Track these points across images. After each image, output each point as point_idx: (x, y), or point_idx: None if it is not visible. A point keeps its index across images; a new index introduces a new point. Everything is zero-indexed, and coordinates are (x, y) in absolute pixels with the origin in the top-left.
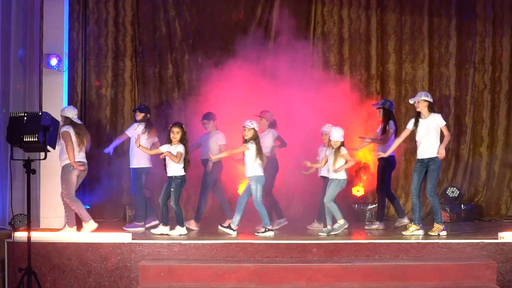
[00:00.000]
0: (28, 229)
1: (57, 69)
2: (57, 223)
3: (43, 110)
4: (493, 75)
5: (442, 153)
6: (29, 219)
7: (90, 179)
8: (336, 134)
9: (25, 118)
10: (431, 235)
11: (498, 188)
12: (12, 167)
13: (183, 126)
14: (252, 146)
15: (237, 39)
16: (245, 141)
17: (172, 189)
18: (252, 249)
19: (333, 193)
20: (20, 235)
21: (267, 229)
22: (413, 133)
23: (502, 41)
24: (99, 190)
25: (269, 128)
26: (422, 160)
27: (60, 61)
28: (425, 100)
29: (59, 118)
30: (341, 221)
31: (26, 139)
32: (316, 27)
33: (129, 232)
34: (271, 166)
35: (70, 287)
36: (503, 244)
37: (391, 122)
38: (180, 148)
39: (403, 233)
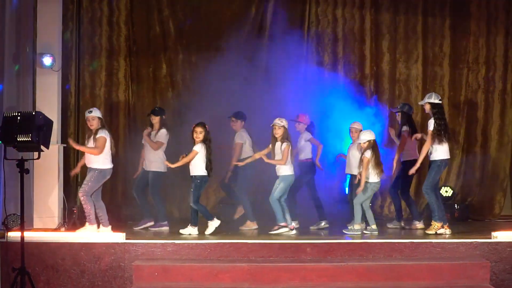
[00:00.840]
0: (22, 229)
1: (51, 68)
2: (51, 223)
3: (37, 109)
4: (487, 74)
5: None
6: (23, 219)
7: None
8: (362, 136)
9: (18, 117)
10: (429, 234)
11: (491, 188)
12: (6, 167)
13: (206, 126)
14: (289, 145)
15: (231, 38)
16: (276, 140)
17: (191, 189)
18: (246, 248)
19: (362, 197)
20: (14, 235)
21: (281, 226)
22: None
23: (496, 40)
24: None
25: (306, 130)
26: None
27: (54, 60)
28: (428, 103)
29: (53, 118)
30: (357, 226)
31: (19, 138)
32: (310, 26)
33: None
34: (310, 169)
35: (63, 287)
36: (497, 243)
37: (404, 127)
38: (196, 148)
39: (426, 231)
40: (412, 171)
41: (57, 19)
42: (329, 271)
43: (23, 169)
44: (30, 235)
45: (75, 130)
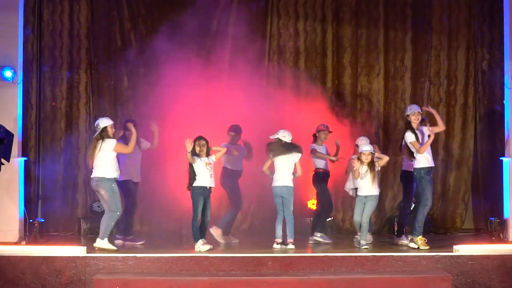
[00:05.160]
0: None
1: (12, 81)
2: (11, 237)
3: None
4: (448, 88)
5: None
6: None
7: (45, 192)
8: (365, 147)
9: None
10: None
11: (453, 201)
12: None
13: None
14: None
15: (192, 52)
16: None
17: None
18: (207, 262)
19: (371, 212)
20: None
21: (291, 243)
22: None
23: (457, 54)
24: (54, 202)
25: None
26: None
27: (14, 73)
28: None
29: (14, 131)
30: (368, 237)
31: None
32: (271, 39)
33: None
34: (322, 178)
35: None
36: (458, 257)
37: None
38: (210, 159)
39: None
40: None
41: (17, 32)
42: (291, 284)
43: None
44: None
45: (36, 143)
